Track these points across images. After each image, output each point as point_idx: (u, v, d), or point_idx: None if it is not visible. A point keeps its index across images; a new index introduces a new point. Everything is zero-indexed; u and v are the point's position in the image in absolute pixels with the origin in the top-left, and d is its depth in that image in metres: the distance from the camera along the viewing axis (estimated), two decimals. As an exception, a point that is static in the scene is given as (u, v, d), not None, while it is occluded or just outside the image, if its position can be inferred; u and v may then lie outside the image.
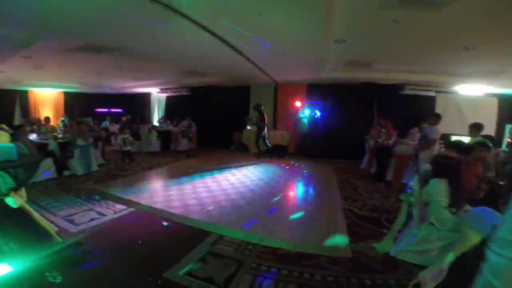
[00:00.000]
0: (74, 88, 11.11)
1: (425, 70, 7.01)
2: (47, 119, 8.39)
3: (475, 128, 4.56)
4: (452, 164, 2.78)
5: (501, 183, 3.30)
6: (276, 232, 3.35)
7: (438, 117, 5.28)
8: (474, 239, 1.90)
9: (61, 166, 5.78)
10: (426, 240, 2.62)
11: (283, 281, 2.34)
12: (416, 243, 2.67)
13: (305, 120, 9.55)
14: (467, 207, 2.64)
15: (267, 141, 8.63)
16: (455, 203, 2.58)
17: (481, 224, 1.91)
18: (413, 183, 3.06)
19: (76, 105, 11.75)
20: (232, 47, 5.21)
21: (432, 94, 8.54)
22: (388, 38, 4.51)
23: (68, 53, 5.78)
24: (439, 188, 2.62)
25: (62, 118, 10.15)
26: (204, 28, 4.20)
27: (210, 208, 4.13)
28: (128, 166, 6.96)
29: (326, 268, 2.58)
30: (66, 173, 5.82)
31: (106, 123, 11.26)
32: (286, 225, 3.59)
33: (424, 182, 2.91)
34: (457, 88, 8.04)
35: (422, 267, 2.46)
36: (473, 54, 4.89)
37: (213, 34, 4.47)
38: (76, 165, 5.94)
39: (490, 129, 8.01)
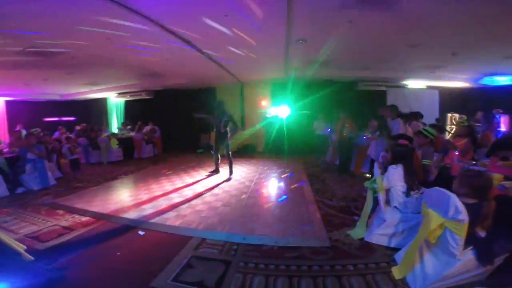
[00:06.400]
0: (18, 96, 10.04)
1: (376, 67, 7.63)
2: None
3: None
4: (406, 151, 3.14)
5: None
6: (257, 229, 3.45)
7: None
8: (435, 219, 2.07)
9: (13, 183, 5.24)
10: (394, 223, 2.87)
11: (273, 276, 2.43)
12: (385, 227, 2.91)
13: (271, 119, 9.74)
14: (423, 189, 2.97)
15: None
16: (411, 186, 2.89)
17: (438, 204, 2.10)
18: (375, 170, 3.36)
19: (22, 115, 10.61)
20: (195, 48, 5.17)
21: (383, 89, 9.32)
22: (344, 37, 4.84)
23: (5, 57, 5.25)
24: (397, 174, 2.91)
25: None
26: (165, 29, 4.12)
27: (186, 213, 4.08)
28: (80, 176, 6.81)
29: (310, 258, 2.73)
30: (21, 190, 5.29)
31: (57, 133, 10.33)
32: (265, 222, 3.69)
33: (383, 169, 3.22)
34: (404, 82, 8.88)
35: (395, 249, 2.72)
36: (416, 50, 5.48)
37: (176, 35, 4.41)
38: (30, 181, 5.44)
39: (434, 118, 8.99)
